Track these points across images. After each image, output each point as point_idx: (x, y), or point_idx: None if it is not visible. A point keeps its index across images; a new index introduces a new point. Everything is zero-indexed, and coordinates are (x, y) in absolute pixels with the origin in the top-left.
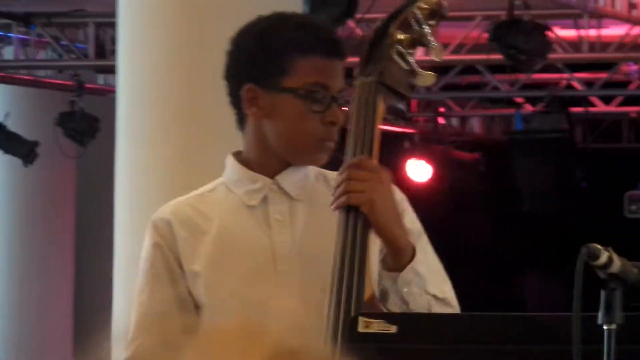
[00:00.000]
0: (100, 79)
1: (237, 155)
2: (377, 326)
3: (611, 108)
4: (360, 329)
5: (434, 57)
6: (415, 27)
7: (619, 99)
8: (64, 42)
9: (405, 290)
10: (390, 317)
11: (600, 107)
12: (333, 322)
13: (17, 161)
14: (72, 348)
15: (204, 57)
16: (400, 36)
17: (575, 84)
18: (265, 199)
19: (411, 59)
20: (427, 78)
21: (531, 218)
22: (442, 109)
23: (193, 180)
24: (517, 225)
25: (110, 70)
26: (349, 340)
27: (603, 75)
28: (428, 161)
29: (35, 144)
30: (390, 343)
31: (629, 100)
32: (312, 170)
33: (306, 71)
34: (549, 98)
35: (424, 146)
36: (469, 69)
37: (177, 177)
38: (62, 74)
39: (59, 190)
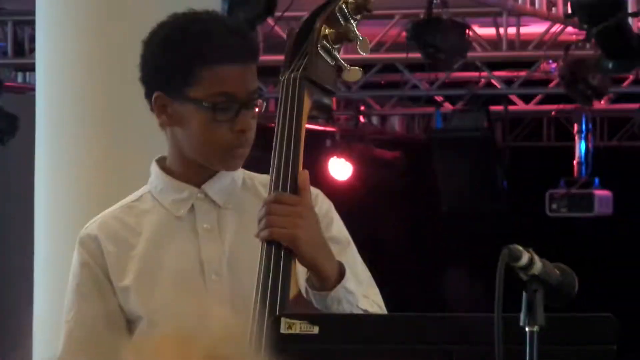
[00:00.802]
0: (19, 76)
1: (161, 163)
2: (300, 327)
3: (531, 106)
4: (283, 330)
5: (361, 51)
6: (342, 22)
7: (539, 98)
8: None
9: (336, 307)
10: (312, 318)
11: (520, 106)
12: (258, 324)
13: None
14: None
15: (124, 56)
16: (326, 31)
17: (495, 82)
18: (192, 209)
19: (337, 54)
20: (353, 73)
21: (451, 217)
22: (362, 108)
23: (113, 181)
24: (437, 225)
25: (29, 68)
26: (272, 342)
27: (522, 74)
28: (349, 159)
29: None
30: (312, 344)
31: (548, 99)
32: (240, 175)
33: (211, 81)
34: (469, 96)
35: (345, 144)
36: (389, 67)
37: (98, 177)
38: None
39: None
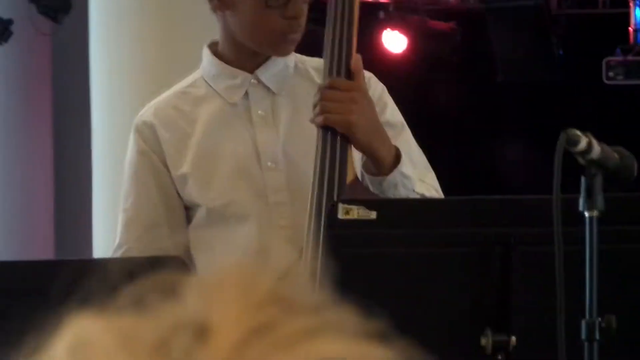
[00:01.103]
0: None
1: (213, 48)
2: (357, 212)
3: None
4: (340, 215)
5: None
6: None
7: None
8: None
9: (392, 192)
10: (369, 203)
11: None
12: (316, 209)
13: None
14: (54, 230)
15: None
16: None
17: None
18: (246, 95)
19: None
20: None
21: (507, 87)
22: None
23: (172, 55)
24: (493, 95)
25: None
26: (329, 227)
27: None
28: (403, 31)
29: (9, 22)
30: (370, 229)
31: None
32: (292, 59)
33: None
34: None
35: (398, 16)
36: None
37: (155, 51)
38: None
39: (35, 67)
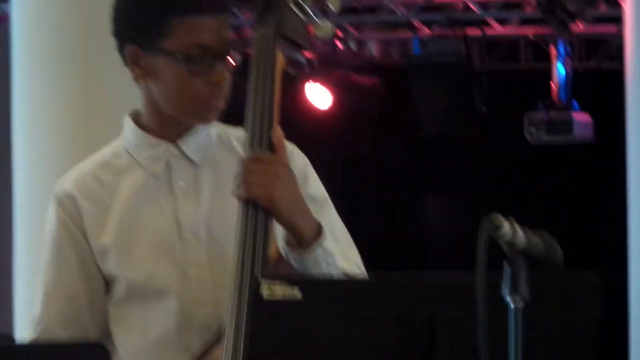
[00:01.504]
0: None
1: (135, 117)
2: (282, 292)
3: (508, 30)
4: (265, 294)
5: (331, 6)
6: None
7: (516, 21)
8: None
9: (315, 268)
10: (294, 280)
11: (498, 29)
12: (238, 284)
13: None
14: None
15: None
16: None
17: (472, 6)
18: (168, 166)
19: (308, 9)
20: (324, 29)
21: (430, 143)
22: (339, 33)
23: (91, 112)
24: (416, 150)
25: None
26: (253, 306)
27: None
28: (327, 86)
29: None
30: (293, 309)
31: (526, 22)
32: (214, 129)
33: (184, 32)
34: (446, 21)
35: (322, 70)
36: None
37: (76, 107)
38: None
39: None
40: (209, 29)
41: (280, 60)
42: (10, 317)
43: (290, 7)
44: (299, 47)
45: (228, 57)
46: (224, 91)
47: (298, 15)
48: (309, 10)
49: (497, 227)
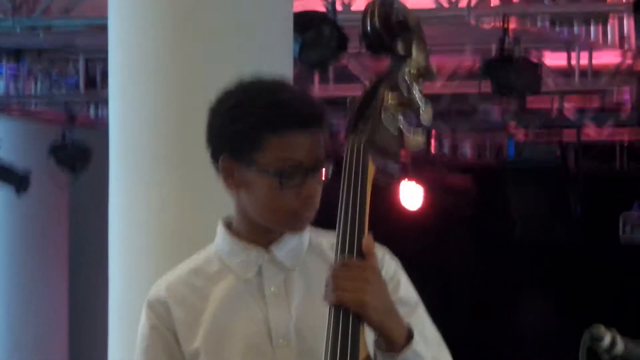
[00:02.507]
0: (92, 109)
1: (227, 222)
2: None
3: (604, 135)
4: None
5: (422, 121)
6: (404, 91)
7: (611, 124)
8: (54, 75)
9: None
10: None
11: (593, 134)
12: None
13: (10, 190)
14: None
15: (198, 93)
16: (390, 99)
17: (567, 112)
18: (259, 271)
19: (399, 122)
20: (416, 142)
21: (524, 245)
22: (434, 134)
23: (187, 217)
24: (509, 253)
25: (101, 101)
26: None
27: (595, 103)
28: (420, 185)
29: (27, 173)
30: None
31: (621, 126)
32: (306, 235)
33: (277, 149)
34: (541, 125)
35: (416, 170)
36: (461, 95)
37: (171, 213)
38: (54, 106)
39: (52, 219)
40: (303, 146)
41: (371, 169)
42: None
43: (382, 120)
44: (390, 157)
45: (320, 171)
46: (315, 204)
47: (389, 129)
48: (399, 125)
49: (599, 339)
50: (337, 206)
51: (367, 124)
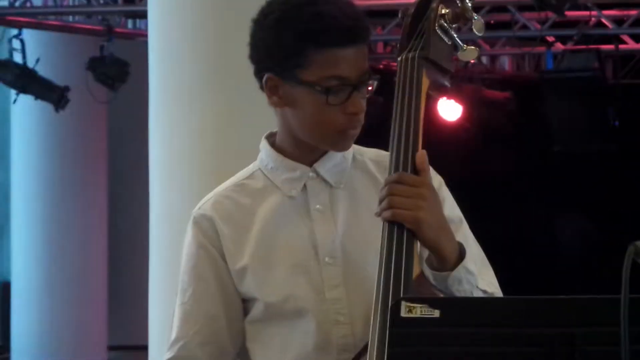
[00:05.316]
0: (129, 23)
1: (271, 139)
2: (420, 310)
3: None
4: (403, 313)
5: (475, 31)
6: (458, 1)
7: None
8: None
9: (456, 288)
10: (433, 302)
11: (631, 45)
12: (382, 305)
13: (49, 106)
14: (107, 302)
15: (237, 6)
16: (443, 10)
17: (605, 22)
18: (304, 188)
19: (453, 33)
20: (470, 53)
21: (563, 157)
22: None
23: (227, 134)
24: (549, 165)
25: (139, 15)
26: (392, 325)
27: (633, 12)
28: (458, 100)
29: (66, 89)
30: (433, 327)
31: None
32: (350, 152)
33: (322, 64)
34: (579, 36)
35: (454, 85)
36: (499, 7)
37: (211, 129)
38: (91, 19)
39: (91, 135)
40: (348, 61)
41: (425, 83)
42: (145, 331)
43: (437, 32)
44: (443, 70)
45: (366, 87)
46: (361, 120)
47: (443, 39)
48: (453, 34)
49: None
50: (376, 120)
51: (421, 38)
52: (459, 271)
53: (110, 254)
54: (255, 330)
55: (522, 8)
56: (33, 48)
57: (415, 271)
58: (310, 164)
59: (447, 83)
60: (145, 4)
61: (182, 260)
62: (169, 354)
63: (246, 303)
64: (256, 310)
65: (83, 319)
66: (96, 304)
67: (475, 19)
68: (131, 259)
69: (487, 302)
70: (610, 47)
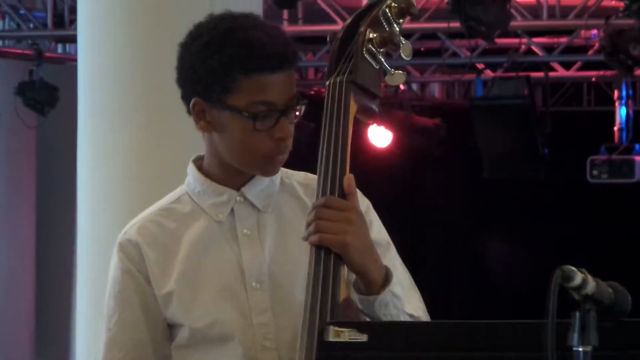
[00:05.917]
0: (59, 47)
1: (198, 163)
2: (348, 335)
3: (571, 73)
4: (331, 337)
5: (403, 56)
6: (385, 26)
7: (579, 64)
8: (22, 11)
9: (383, 312)
10: (361, 326)
11: (561, 72)
12: (309, 329)
13: None
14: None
15: (169, 29)
16: (371, 34)
17: (535, 50)
18: (232, 213)
19: (381, 58)
20: (397, 77)
21: (493, 184)
22: None
23: (155, 157)
24: (478, 192)
25: (69, 40)
26: (319, 349)
27: (563, 40)
28: (389, 127)
29: None
30: (360, 352)
31: (589, 65)
32: (277, 175)
33: (250, 90)
34: (509, 64)
35: (384, 111)
36: (429, 34)
37: (140, 153)
38: (21, 43)
39: (20, 159)
40: (276, 87)
41: (353, 107)
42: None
43: (365, 56)
44: (371, 95)
45: (294, 112)
46: (288, 146)
47: (371, 64)
48: (381, 58)
49: (570, 277)
50: (307, 146)
51: (349, 62)
52: (385, 295)
53: (37, 284)
54: (181, 355)
55: (452, 35)
56: None
57: (342, 295)
58: (237, 188)
59: (375, 108)
60: (75, 29)
61: (107, 285)
62: None
63: (172, 328)
64: (182, 335)
65: (6, 339)
66: (21, 328)
67: (403, 44)
68: (59, 289)
69: (414, 326)
70: (540, 74)
